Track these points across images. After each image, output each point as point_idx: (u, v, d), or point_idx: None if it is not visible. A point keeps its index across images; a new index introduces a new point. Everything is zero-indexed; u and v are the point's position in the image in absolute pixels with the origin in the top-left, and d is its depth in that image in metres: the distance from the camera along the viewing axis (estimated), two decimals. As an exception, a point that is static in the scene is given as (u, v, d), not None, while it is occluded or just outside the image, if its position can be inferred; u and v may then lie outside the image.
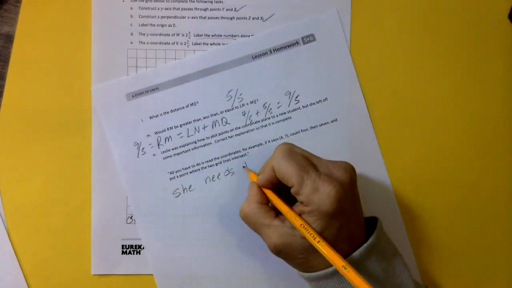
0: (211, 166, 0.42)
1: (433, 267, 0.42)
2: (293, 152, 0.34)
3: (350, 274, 0.29)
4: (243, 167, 0.41)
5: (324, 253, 0.30)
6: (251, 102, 0.42)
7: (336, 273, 0.32)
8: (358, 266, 0.32)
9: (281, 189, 0.35)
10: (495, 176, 0.42)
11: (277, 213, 0.35)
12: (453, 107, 0.42)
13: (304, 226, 0.31)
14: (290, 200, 0.34)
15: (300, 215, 0.33)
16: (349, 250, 0.32)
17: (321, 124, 0.42)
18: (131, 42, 0.42)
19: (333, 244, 0.31)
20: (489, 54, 0.42)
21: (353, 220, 0.33)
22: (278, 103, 0.42)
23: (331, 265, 0.32)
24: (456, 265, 0.42)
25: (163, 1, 0.42)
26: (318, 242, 0.31)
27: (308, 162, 0.33)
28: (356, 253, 0.32)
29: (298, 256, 0.33)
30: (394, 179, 0.42)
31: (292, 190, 0.33)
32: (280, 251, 0.33)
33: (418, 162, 0.42)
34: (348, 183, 0.33)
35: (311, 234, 0.31)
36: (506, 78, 0.42)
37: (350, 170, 0.34)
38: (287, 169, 0.33)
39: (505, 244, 0.42)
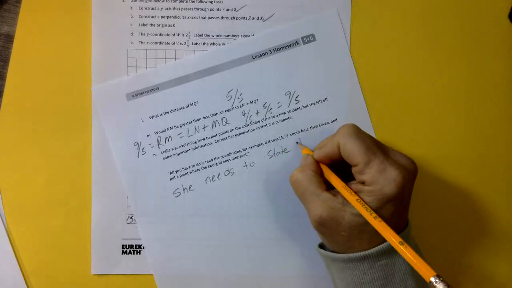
0: (211, 166, 0.42)
1: (433, 267, 0.42)
2: (361, 132, 0.34)
3: (408, 250, 0.29)
4: (297, 143, 0.41)
5: (380, 229, 0.30)
6: (251, 102, 0.42)
7: (381, 253, 0.32)
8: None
9: (333, 168, 0.36)
10: (495, 176, 0.42)
11: (329, 187, 0.35)
12: (453, 107, 0.42)
13: (360, 201, 0.32)
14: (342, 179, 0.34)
15: (356, 193, 0.33)
16: None
17: (321, 124, 0.42)
18: (131, 42, 0.42)
19: None
20: (489, 54, 0.42)
21: (404, 210, 0.33)
22: (278, 103, 0.42)
23: (374, 246, 0.32)
24: (456, 264, 0.42)
25: (163, 1, 0.42)
26: (375, 217, 0.31)
27: (376, 143, 0.33)
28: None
29: (340, 232, 0.33)
30: (394, 179, 0.42)
31: (356, 169, 0.33)
32: (324, 224, 0.33)
33: (418, 162, 0.42)
34: (413, 173, 0.33)
35: (368, 210, 0.31)
36: (506, 78, 0.42)
37: (413, 162, 0.34)
38: (354, 147, 0.33)
39: (505, 244, 0.42)
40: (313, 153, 0.37)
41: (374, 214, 0.31)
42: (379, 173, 0.32)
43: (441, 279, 0.27)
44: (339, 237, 0.33)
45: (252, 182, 0.42)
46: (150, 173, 0.41)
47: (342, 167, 0.35)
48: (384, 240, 0.32)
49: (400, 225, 0.33)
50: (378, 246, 0.32)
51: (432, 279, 0.27)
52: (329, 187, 0.35)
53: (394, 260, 0.33)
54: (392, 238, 0.30)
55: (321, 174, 0.36)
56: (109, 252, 0.42)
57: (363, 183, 0.33)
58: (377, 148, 0.33)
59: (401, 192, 0.32)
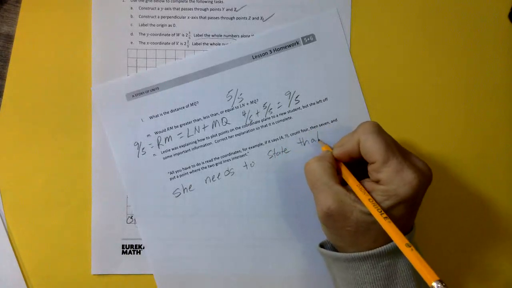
0: (211, 166, 0.42)
1: (433, 267, 0.42)
2: (382, 130, 0.34)
3: (414, 252, 0.29)
4: (318, 140, 0.41)
5: (388, 229, 0.30)
6: (251, 102, 0.42)
7: (385, 254, 0.32)
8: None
9: (349, 167, 0.36)
10: (495, 176, 0.42)
11: (342, 183, 0.35)
12: (453, 107, 0.42)
13: (372, 201, 0.32)
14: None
15: (369, 191, 0.33)
16: None
17: (321, 124, 0.42)
18: (131, 42, 0.42)
19: None
20: (489, 54, 0.42)
21: (412, 213, 0.34)
22: (278, 103, 0.42)
23: (378, 247, 0.32)
24: (456, 264, 0.42)
25: (163, 1, 0.42)
26: (385, 218, 0.31)
27: (395, 144, 0.33)
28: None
29: (346, 227, 0.33)
30: (394, 179, 0.42)
31: (373, 166, 0.33)
32: (331, 216, 0.33)
33: (418, 162, 0.42)
34: (428, 179, 0.33)
35: (378, 209, 0.31)
36: (506, 78, 0.42)
37: (430, 168, 0.34)
38: (374, 144, 0.32)
39: (505, 244, 0.42)
40: (333, 150, 0.36)
41: (384, 214, 0.31)
42: (395, 173, 0.31)
43: (443, 284, 0.27)
44: (344, 231, 0.33)
45: (252, 182, 0.42)
46: (150, 173, 0.41)
47: (357, 166, 0.35)
48: (389, 241, 0.32)
49: (406, 228, 0.34)
50: (383, 246, 0.32)
51: (434, 284, 0.27)
52: (343, 184, 0.35)
53: (396, 261, 0.33)
54: (399, 239, 0.30)
55: (337, 172, 0.36)
56: (109, 252, 0.42)
57: (377, 181, 0.33)
58: (396, 148, 0.33)
59: (415, 195, 0.32)
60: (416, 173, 0.32)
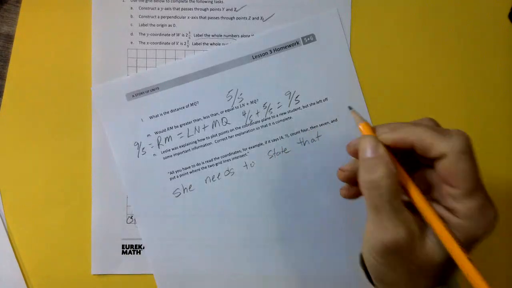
0: (211, 166, 0.42)
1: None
2: (473, 151, 0.26)
3: None
4: (350, 108, 0.32)
5: (473, 279, 0.25)
6: (251, 102, 0.42)
7: None
8: None
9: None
10: (495, 176, 0.42)
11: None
12: (453, 107, 0.42)
13: (451, 237, 0.25)
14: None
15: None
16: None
17: (321, 124, 0.42)
18: (131, 42, 0.42)
19: None
20: (489, 54, 0.42)
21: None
22: (278, 103, 0.42)
23: (437, 285, 0.26)
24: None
25: (163, 1, 0.42)
26: (471, 261, 0.25)
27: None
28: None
29: (409, 265, 0.26)
30: (394, 179, 0.42)
31: (451, 192, 0.25)
32: (397, 251, 0.25)
33: (418, 162, 0.42)
34: (495, 221, 0.27)
35: (461, 249, 0.25)
36: (506, 78, 0.42)
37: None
38: (466, 167, 0.25)
39: (505, 244, 0.42)
40: (381, 138, 0.27)
41: (469, 256, 0.25)
42: (479, 209, 0.25)
43: None
44: (403, 269, 0.26)
45: (252, 182, 0.42)
46: (150, 173, 0.41)
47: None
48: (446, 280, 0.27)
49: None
50: None
51: None
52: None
53: None
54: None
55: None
56: (109, 252, 0.42)
57: (451, 210, 0.26)
58: (481, 177, 0.26)
59: (486, 235, 0.26)
60: (494, 213, 0.26)
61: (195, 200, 0.42)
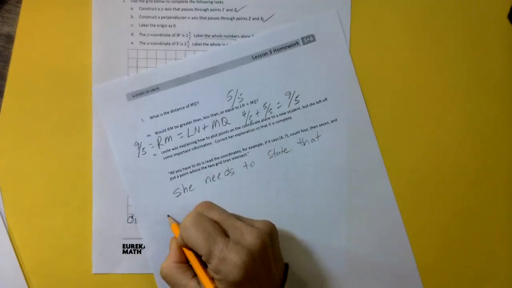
0: (211, 166, 0.42)
1: (433, 267, 0.42)
2: (202, 219, 0.34)
3: None
4: (168, 216, 0.41)
5: None
6: (251, 102, 0.42)
7: None
8: None
9: None
10: (495, 176, 0.42)
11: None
12: (453, 107, 0.42)
13: None
14: None
15: (213, 279, 0.33)
16: None
17: (321, 124, 0.42)
18: (132, 42, 0.42)
19: None
20: (489, 54, 0.42)
21: (264, 283, 0.33)
22: (278, 103, 0.42)
23: None
24: (456, 265, 0.42)
25: (163, 1, 0.42)
26: None
27: (217, 229, 0.33)
28: None
29: None
30: (394, 179, 0.42)
31: (203, 259, 0.33)
32: None
33: (418, 162, 0.42)
34: (259, 249, 0.33)
35: None
36: (506, 78, 0.42)
37: (263, 234, 0.34)
38: (194, 239, 0.33)
39: (505, 244, 0.42)
40: (177, 237, 0.36)
41: None
42: (220, 262, 0.32)
43: None
44: None
45: (252, 182, 0.42)
46: (150, 173, 0.42)
47: None
48: None
49: (276, 282, 0.34)
50: None
51: None
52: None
53: None
54: None
55: (186, 259, 0.36)
56: (110, 251, 0.42)
57: (213, 270, 0.33)
58: (217, 234, 0.33)
59: (247, 274, 0.32)
60: (239, 253, 0.32)
61: (195, 200, 0.42)
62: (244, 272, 0.32)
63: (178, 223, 0.40)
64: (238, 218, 0.36)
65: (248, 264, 0.32)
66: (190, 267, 0.36)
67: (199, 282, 0.34)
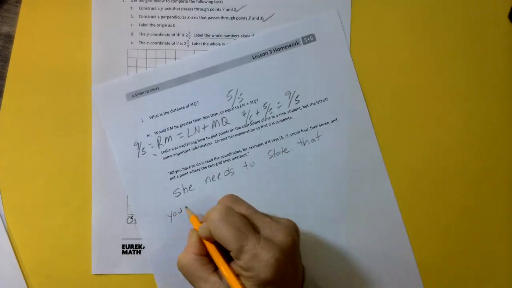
0: (211, 166, 0.42)
1: (433, 267, 0.42)
2: (231, 214, 0.33)
3: None
4: (186, 207, 0.41)
5: None
6: (251, 102, 0.42)
7: None
8: None
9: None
10: (495, 176, 0.42)
11: (217, 266, 0.34)
12: (453, 107, 0.42)
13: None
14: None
15: (238, 275, 0.32)
16: None
17: (321, 124, 0.42)
18: (131, 42, 0.42)
19: None
20: (489, 54, 0.42)
21: (292, 282, 0.33)
22: (278, 103, 0.42)
23: None
24: (456, 265, 0.42)
25: (163, 1, 0.42)
26: None
27: (247, 224, 0.32)
28: None
29: None
30: (394, 179, 0.42)
31: (231, 254, 0.32)
32: None
33: (418, 162, 0.42)
34: (290, 247, 0.32)
35: None
36: (506, 78, 0.42)
37: (293, 231, 0.33)
38: (224, 234, 0.32)
39: (505, 244, 0.42)
40: (199, 228, 0.35)
41: None
42: (252, 259, 0.31)
43: None
44: None
45: (252, 182, 0.42)
46: (150, 173, 0.41)
47: None
48: None
49: None
50: None
51: None
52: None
53: None
54: None
55: (207, 252, 0.35)
56: (110, 252, 0.42)
57: (241, 267, 0.32)
58: (248, 229, 0.32)
59: (278, 272, 0.31)
60: (272, 251, 0.31)
61: (195, 200, 0.42)
62: (276, 270, 0.31)
63: (197, 217, 0.38)
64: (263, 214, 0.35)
65: (280, 263, 0.31)
66: (210, 260, 0.35)
67: (220, 277, 0.33)
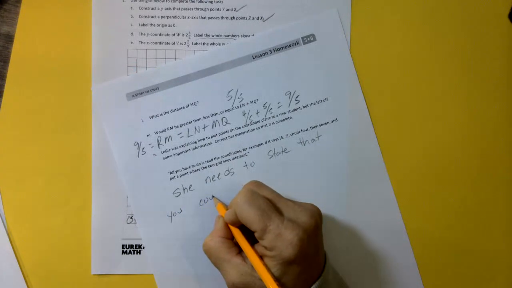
0: (211, 166, 0.42)
1: (433, 267, 0.42)
2: (255, 196, 0.34)
3: None
4: (212, 196, 0.41)
5: None
6: (251, 102, 0.42)
7: None
8: None
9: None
10: (495, 176, 0.42)
11: (240, 249, 0.35)
12: (453, 107, 0.42)
13: (265, 268, 0.32)
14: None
15: (261, 257, 0.33)
16: None
17: (321, 124, 0.42)
18: (131, 42, 0.42)
19: None
20: (489, 54, 0.42)
21: (313, 264, 0.34)
22: (278, 103, 0.42)
23: None
24: (456, 265, 0.42)
25: (163, 1, 0.42)
26: (278, 286, 0.31)
27: (271, 206, 0.33)
28: None
29: None
30: (394, 179, 0.42)
31: (256, 235, 0.33)
32: (242, 285, 0.33)
33: (418, 162, 0.42)
34: (313, 229, 0.33)
35: (274, 280, 0.31)
36: (506, 78, 0.42)
37: (316, 214, 0.34)
38: (249, 215, 0.33)
39: (505, 244, 0.42)
40: (225, 214, 0.36)
41: (276, 281, 0.31)
42: (275, 238, 0.32)
43: None
44: None
45: (252, 182, 0.42)
46: (150, 173, 0.41)
47: None
48: None
49: (313, 276, 0.34)
50: None
51: None
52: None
53: None
54: None
55: (232, 237, 0.36)
56: (109, 252, 0.42)
57: (265, 247, 0.33)
58: (272, 211, 0.33)
59: (301, 253, 0.32)
60: (295, 231, 0.32)
61: (195, 200, 0.42)
62: (299, 249, 0.31)
63: (224, 204, 0.40)
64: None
65: (303, 243, 0.32)
66: (235, 244, 0.36)
67: (244, 259, 0.34)
